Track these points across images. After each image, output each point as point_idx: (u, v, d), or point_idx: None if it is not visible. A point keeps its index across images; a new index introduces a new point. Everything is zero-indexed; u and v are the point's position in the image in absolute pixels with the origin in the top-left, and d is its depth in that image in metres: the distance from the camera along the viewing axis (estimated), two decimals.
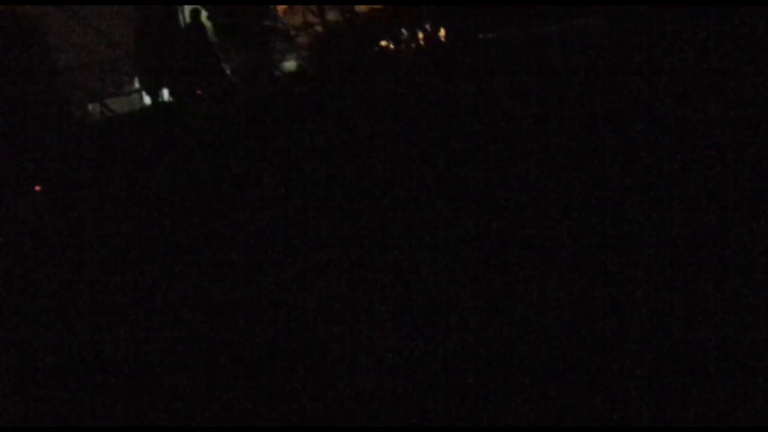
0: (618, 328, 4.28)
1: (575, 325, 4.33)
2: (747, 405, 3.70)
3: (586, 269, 4.61)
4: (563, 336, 4.26)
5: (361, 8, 18.83)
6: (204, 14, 15.14)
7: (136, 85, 15.99)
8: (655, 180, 5.26)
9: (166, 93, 14.95)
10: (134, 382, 4.01)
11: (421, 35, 13.50)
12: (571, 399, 3.82)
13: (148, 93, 15.16)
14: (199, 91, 14.35)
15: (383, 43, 13.73)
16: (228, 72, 15.14)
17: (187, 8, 15.11)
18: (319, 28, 15.71)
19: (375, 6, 15.93)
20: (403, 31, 13.64)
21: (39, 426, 3.65)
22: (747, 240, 4.52)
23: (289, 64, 16.37)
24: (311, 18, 16.43)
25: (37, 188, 8.02)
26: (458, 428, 3.68)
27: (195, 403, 3.83)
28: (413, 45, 13.54)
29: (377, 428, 3.68)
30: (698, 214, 4.73)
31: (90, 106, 15.81)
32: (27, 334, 4.59)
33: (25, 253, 5.65)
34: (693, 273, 4.48)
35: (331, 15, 16.21)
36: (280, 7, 19.29)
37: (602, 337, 4.25)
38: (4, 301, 4.97)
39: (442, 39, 13.04)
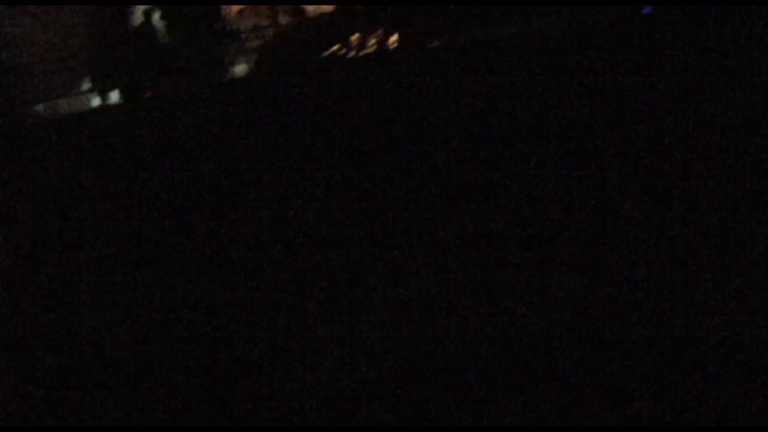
0: (618, 328, 4.29)
1: (575, 325, 4.34)
2: (747, 405, 3.71)
3: (586, 269, 4.61)
4: (563, 336, 4.27)
5: (314, 10, 18.86)
6: (157, 15, 15.12)
7: (88, 84, 15.91)
8: (655, 180, 5.26)
9: (116, 94, 14.91)
10: (134, 382, 4.01)
11: (373, 40, 13.47)
12: (571, 399, 3.82)
13: (99, 93, 15.10)
14: (149, 93, 14.33)
15: (335, 47, 13.68)
16: (177, 74, 15.14)
17: (140, 8, 15.10)
18: (270, 32, 15.67)
19: (328, 7, 16.00)
20: (357, 35, 13.61)
21: (39, 426, 3.65)
22: (747, 240, 4.53)
23: (240, 69, 16.37)
24: (263, 21, 16.40)
25: None
26: (458, 428, 3.68)
27: (195, 403, 3.83)
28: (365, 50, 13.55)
29: (377, 428, 3.68)
30: (698, 214, 4.74)
31: (38, 107, 15.71)
32: (27, 334, 4.59)
33: (25, 253, 5.65)
34: (693, 273, 4.48)
35: (284, 18, 16.15)
36: (232, 9, 19.28)
37: (602, 337, 4.25)
38: (4, 301, 4.97)
39: (395, 43, 12.99)
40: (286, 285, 4.98)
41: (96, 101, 15.38)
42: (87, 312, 4.82)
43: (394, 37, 13.05)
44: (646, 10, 12.25)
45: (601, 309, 4.39)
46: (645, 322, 4.30)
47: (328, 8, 17.08)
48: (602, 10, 12.57)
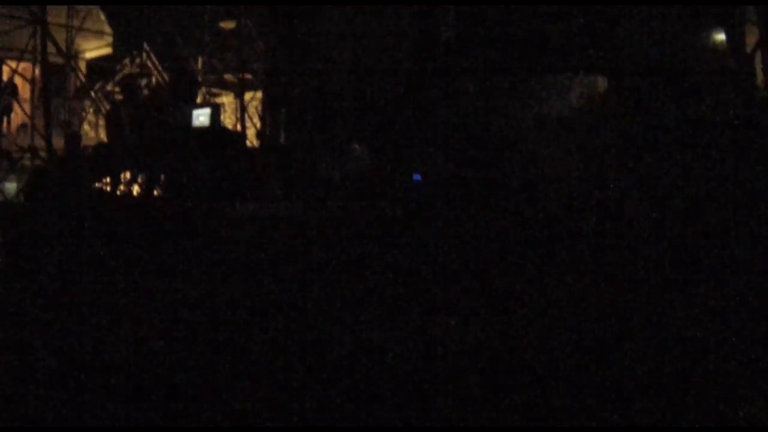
0: (618, 328, 4.30)
1: (575, 325, 4.35)
2: (747, 405, 3.72)
3: (586, 269, 4.63)
4: (563, 336, 4.28)
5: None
6: None
7: None
8: (655, 180, 5.29)
9: None
10: (134, 382, 4.00)
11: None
12: (571, 399, 3.83)
13: None
14: None
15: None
16: None
17: None
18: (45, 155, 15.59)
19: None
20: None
21: (39, 426, 3.63)
22: (747, 240, 4.56)
23: (9, 187, 16.61)
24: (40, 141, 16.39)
25: None
26: (458, 428, 3.68)
27: (195, 403, 3.82)
28: None
29: (377, 428, 3.68)
30: (698, 214, 4.77)
31: None
32: (27, 334, 4.58)
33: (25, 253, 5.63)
34: (693, 273, 4.51)
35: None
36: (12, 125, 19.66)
37: (602, 337, 4.27)
38: (4, 301, 4.95)
39: None
40: (286, 285, 4.99)
41: None
42: (87, 312, 4.82)
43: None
44: (416, 177, 12.48)
45: (601, 309, 4.41)
46: (645, 323, 4.32)
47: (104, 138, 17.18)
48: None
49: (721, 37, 11.86)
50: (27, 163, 16.98)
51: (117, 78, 21.52)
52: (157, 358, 4.39)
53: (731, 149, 9.23)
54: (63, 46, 18.53)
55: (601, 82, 13.02)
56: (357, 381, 4.06)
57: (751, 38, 11.69)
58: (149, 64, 21.20)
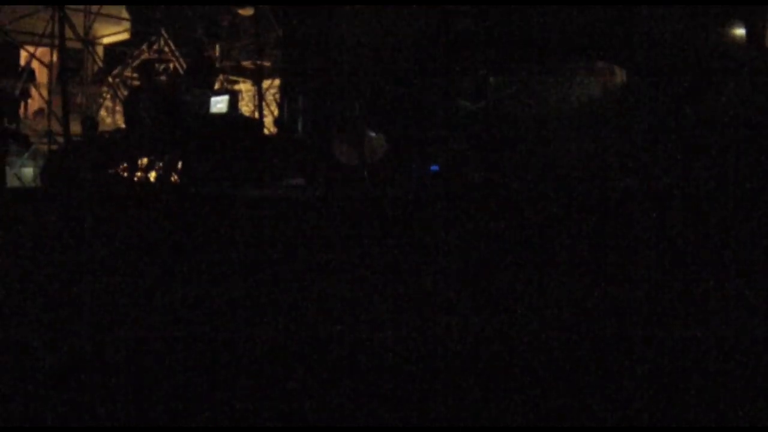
0: (618, 328, 4.30)
1: (575, 325, 4.34)
2: (747, 405, 3.72)
3: (586, 269, 4.62)
4: (563, 336, 4.28)
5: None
6: None
7: None
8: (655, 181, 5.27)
9: None
10: (134, 382, 4.01)
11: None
12: (571, 399, 3.83)
13: None
14: None
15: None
16: None
17: None
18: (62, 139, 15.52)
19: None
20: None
21: (39, 426, 3.64)
22: (747, 240, 4.54)
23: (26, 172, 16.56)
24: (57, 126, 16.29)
25: None
26: (458, 428, 3.68)
27: (195, 403, 3.83)
28: None
29: (377, 428, 3.68)
30: (698, 214, 4.75)
31: None
32: (27, 334, 4.59)
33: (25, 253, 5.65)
34: (693, 273, 4.49)
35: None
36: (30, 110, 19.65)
37: (602, 337, 4.26)
38: (4, 301, 4.97)
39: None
40: (285, 285, 4.99)
41: None
42: (87, 312, 4.83)
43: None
44: (434, 168, 12.49)
45: (601, 309, 4.40)
46: (645, 323, 4.31)
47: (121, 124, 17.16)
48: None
49: (741, 31, 11.81)
50: (44, 147, 17.02)
51: (134, 63, 21.53)
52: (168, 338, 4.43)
53: (749, 145, 9.20)
54: (81, 31, 18.57)
55: (620, 73, 12.97)
56: (357, 380, 4.07)
57: None
58: (167, 49, 21.20)
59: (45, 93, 18.66)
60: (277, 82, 19.07)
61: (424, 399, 3.86)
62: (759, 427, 3.62)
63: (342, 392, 3.93)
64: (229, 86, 20.91)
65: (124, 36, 22.47)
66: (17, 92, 18.23)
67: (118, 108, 20.22)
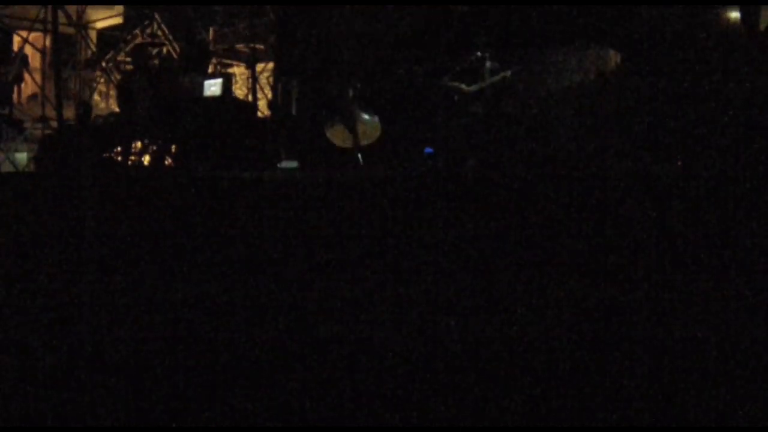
0: (618, 328, 4.29)
1: (575, 325, 4.34)
2: (747, 405, 3.72)
3: (586, 269, 4.62)
4: (563, 336, 4.27)
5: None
6: None
7: None
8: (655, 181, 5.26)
9: None
10: (134, 382, 4.01)
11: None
12: (571, 399, 3.83)
13: None
14: None
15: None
16: None
17: None
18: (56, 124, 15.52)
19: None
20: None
21: (39, 426, 3.65)
22: (747, 240, 4.53)
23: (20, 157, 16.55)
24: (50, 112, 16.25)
25: None
26: (458, 428, 3.68)
27: (195, 403, 3.83)
28: None
29: (377, 428, 3.68)
30: (698, 214, 4.74)
31: None
32: (27, 334, 4.59)
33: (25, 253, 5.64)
34: (693, 273, 4.49)
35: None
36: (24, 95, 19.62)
37: (602, 337, 4.26)
38: (4, 301, 4.96)
39: None
40: (286, 285, 4.98)
41: None
42: (87, 312, 4.82)
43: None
44: (428, 150, 12.53)
45: (601, 309, 4.40)
46: (645, 323, 4.31)
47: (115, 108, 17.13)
48: None
49: (735, 14, 11.79)
50: (37, 132, 16.98)
51: (128, 48, 21.47)
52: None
53: (748, 130, 9.19)
54: (74, 16, 18.51)
55: (614, 56, 12.95)
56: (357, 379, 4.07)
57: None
58: (160, 33, 21.14)
59: (38, 78, 18.60)
60: (270, 65, 19.02)
61: (424, 399, 3.86)
62: (759, 427, 3.63)
63: (342, 392, 3.93)
64: (222, 70, 20.88)
65: (117, 20, 22.36)
66: (10, 77, 18.14)
67: (112, 92, 20.18)
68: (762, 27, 11.51)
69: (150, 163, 13.49)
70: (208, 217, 6.01)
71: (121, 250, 5.54)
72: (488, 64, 12.56)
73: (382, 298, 4.66)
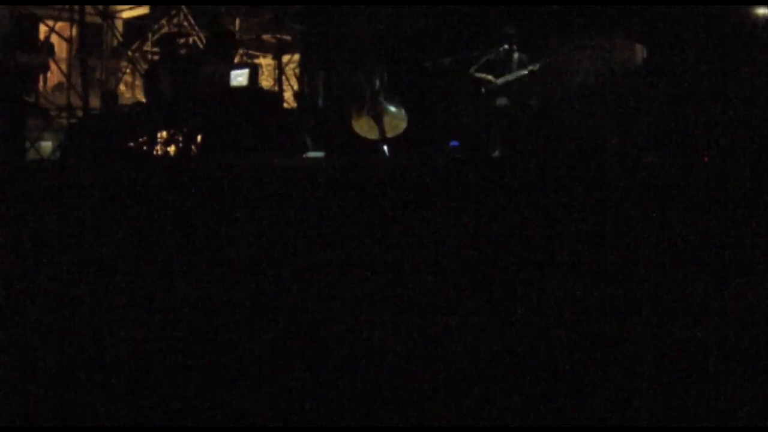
0: (618, 328, 4.29)
1: (575, 325, 4.34)
2: (747, 405, 3.72)
3: (586, 269, 4.61)
4: (563, 336, 4.27)
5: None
6: None
7: None
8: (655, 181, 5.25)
9: None
10: (134, 382, 4.02)
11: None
12: (571, 399, 3.83)
13: None
14: None
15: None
16: None
17: None
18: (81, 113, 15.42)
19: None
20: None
21: (39, 426, 3.66)
22: (747, 240, 4.52)
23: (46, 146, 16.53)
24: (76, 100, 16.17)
25: None
26: (458, 428, 3.68)
27: (195, 403, 3.84)
28: None
29: (377, 428, 3.69)
30: (698, 214, 4.73)
31: None
32: (27, 334, 4.61)
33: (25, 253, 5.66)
34: (693, 273, 4.48)
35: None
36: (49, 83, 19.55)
37: (602, 337, 4.26)
38: (4, 301, 4.98)
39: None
40: (286, 285, 4.99)
41: None
42: (87, 312, 4.84)
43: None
44: (453, 143, 12.52)
45: (601, 309, 4.39)
46: (645, 323, 4.30)
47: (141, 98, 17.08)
48: None
49: (764, 11, 11.73)
50: (63, 121, 17.07)
51: (154, 38, 21.57)
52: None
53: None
54: (100, 5, 18.58)
55: (640, 51, 12.92)
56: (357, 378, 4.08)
57: None
58: (186, 24, 21.22)
59: (64, 67, 18.67)
60: (297, 56, 19.04)
61: (424, 399, 3.87)
62: (759, 427, 3.62)
63: (342, 392, 3.94)
64: (249, 60, 20.93)
65: (144, 10, 22.48)
66: (36, 66, 18.23)
67: (138, 82, 20.27)
68: None
69: (175, 152, 13.53)
70: (229, 201, 6.04)
71: (121, 250, 5.57)
72: (516, 56, 12.58)
73: (383, 297, 4.67)
